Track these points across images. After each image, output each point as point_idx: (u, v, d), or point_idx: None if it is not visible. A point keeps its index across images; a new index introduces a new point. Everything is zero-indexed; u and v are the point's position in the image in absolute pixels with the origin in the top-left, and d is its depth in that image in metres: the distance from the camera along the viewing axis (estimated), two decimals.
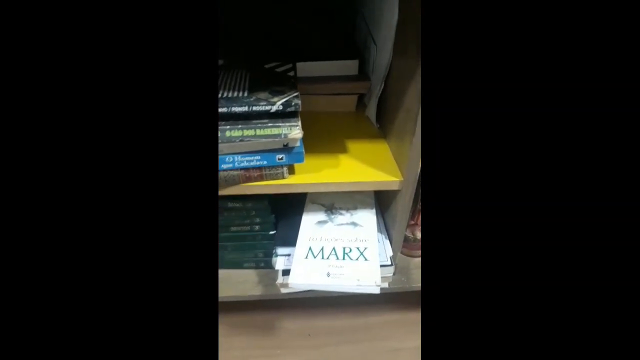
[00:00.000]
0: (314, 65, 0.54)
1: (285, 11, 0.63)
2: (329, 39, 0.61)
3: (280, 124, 0.34)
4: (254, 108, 0.34)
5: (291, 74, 0.43)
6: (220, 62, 0.49)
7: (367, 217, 0.47)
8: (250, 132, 0.34)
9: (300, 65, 0.53)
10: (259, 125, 0.34)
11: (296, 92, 0.37)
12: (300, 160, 0.38)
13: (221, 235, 0.48)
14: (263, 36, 0.61)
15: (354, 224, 0.46)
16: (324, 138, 0.48)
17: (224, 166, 0.36)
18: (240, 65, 0.45)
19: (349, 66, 0.55)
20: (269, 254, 0.51)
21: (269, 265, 0.52)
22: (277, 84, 0.39)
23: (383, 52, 0.45)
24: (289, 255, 0.45)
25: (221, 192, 0.39)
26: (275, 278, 0.51)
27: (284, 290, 0.45)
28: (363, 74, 0.55)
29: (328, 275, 0.40)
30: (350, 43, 0.60)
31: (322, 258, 0.41)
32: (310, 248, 0.43)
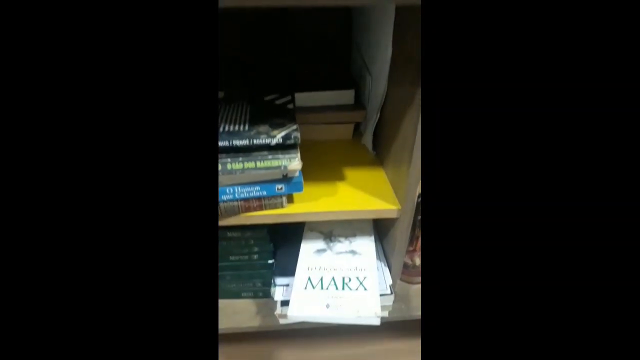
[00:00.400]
0: (311, 96, 0.56)
1: (282, 42, 0.66)
2: (325, 70, 0.63)
3: (280, 156, 0.35)
4: (255, 141, 0.35)
5: (290, 106, 0.44)
6: (220, 94, 0.51)
7: (366, 245, 0.47)
8: (251, 165, 0.35)
9: (298, 95, 0.55)
10: (260, 157, 0.35)
11: (295, 124, 0.38)
12: (299, 189, 0.39)
13: (220, 264, 0.48)
14: (261, 67, 0.64)
15: (353, 252, 0.46)
16: (321, 166, 0.49)
17: (224, 197, 0.37)
18: (240, 97, 0.47)
19: (345, 96, 0.57)
20: (267, 284, 0.50)
21: (268, 295, 0.52)
22: (277, 116, 0.40)
23: (378, 83, 0.47)
24: (287, 285, 0.44)
25: (221, 223, 0.40)
26: (273, 308, 0.50)
27: (282, 322, 0.44)
28: (359, 104, 0.57)
29: (327, 306, 0.39)
30: (346, 73, 0.63)
31: (322, 288, 0.41)
32: (309, 278, 0.42)
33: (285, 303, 0.43)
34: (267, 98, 0.47)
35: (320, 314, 0.38)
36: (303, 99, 0.55)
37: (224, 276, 0.49)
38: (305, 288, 0.41)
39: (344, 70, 0.64)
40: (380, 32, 0.44)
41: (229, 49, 0.62)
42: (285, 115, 0.41)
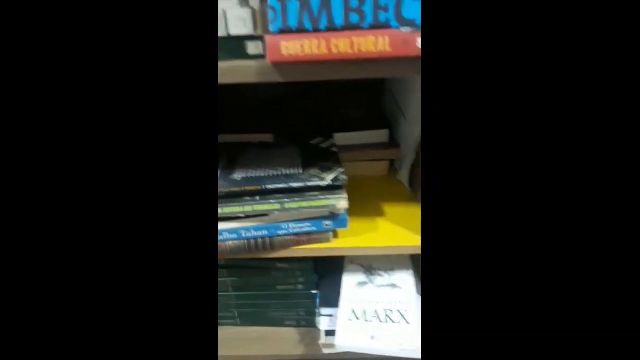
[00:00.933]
0: (349, 136, 0.61)
1: (320, 88, 0.73)
2: (360, 112, 0.69)
3: (329, 197, 0.39)
4: (308, 183, 0.40)
5: (334, 149, 0.49)
6: (269, 137, 0.57)
7: (406, 279, 0.49)
8: (305, 204, 0.39)
9: (336, 135, 0.60)
10: (312, 197, 0.39)
11: (341, 167, 0.42)
12: (344, 226, 0.42)
13: (267, 293, 0.52)
14: (303, 111, 0.70)
15: (393, 285, 0.48)
16: (360, 202, 0.53)
17: (279, 232, 0.41)
18: (288, 141, 0.53)
19: (380, 135, 0.62)
20: (310, 313, 0.53)
21: (310, 324, 0.54)
22: (325, 159, 0.45)
23: (414, 126, 0.51)
24: (331, 315, 0.47)
25: (273, 255, 0.44)
26: (315, 337, 0.52)
27: (326, 351, 0.47)
28: (393, 142, 0.61)
29: (372, 337, 0.41)
30: (379, 114, 0.68)
31: (365, 320, 0.43)
32: (353, 310, 0.45)
33: (330, 333, 0.45)
34: (313, 142, 0.53)
35: (365, 345, 0.40)
36: (341, 138, 0.60)
37: (270, 304, 0.53)
38: (350, 319, 0.43)
39: (377, 111, 0.69)
40: (412, 79, 0.49)
41: (272, 94, 0.70)
42: (332, 158, 0.45)
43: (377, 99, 0.74)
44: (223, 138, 0.61)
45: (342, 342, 0.41)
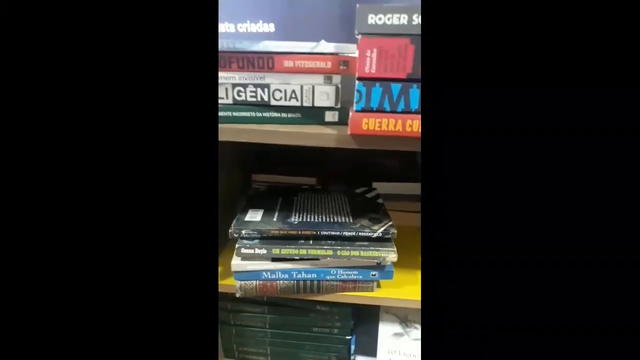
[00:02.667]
0: (386, 186, 0.65)
1: None
2: (396, 162, 0.74)
3: (380, 248, 0.42)
4: (360, 233, 0.43)
5: (380, 200, 0.53)
6: (313, 180, 0.62)
7: None
8: (356, 253, 0.42)
9: (375, 184, 0.64)
10: (363, 247, 0.43)
11: (390, 221, 0.46)
12: (390, 277, 0.45)
13: (302, 334, 0.53)
14: (342, 157, 0.75)
15: None
16: (399, 252, 0.55)
17: (328, 277, 0.44)
18: (334, 189, 0.57)
19: (415, 187, 0.66)
20: (342, 358, 0.54)
21: None
22: (373, 212, 0.48)
23: None
24: None
25: (316, 298, 0.46)
26: None
27: None
28: None
29: None
30: (414, 167, 0.72)
31: None
32: None
33: None
34: (358, 191, 0.57)
35: None
36: (378, 187, 0.64)
37: (303, 345, 0.54)
38: None
39: (414, 164, 0.74)
40: None
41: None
42: (380, 210, 0.49)
43: (414, 152, 0.79)
44: (272, 178, 0.67)
45: None
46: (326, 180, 0.66)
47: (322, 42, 0.39)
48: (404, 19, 0.30)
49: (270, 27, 0.52)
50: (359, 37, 0.30)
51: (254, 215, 0.46)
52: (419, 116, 0.32)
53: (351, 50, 0.35)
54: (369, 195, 0.55)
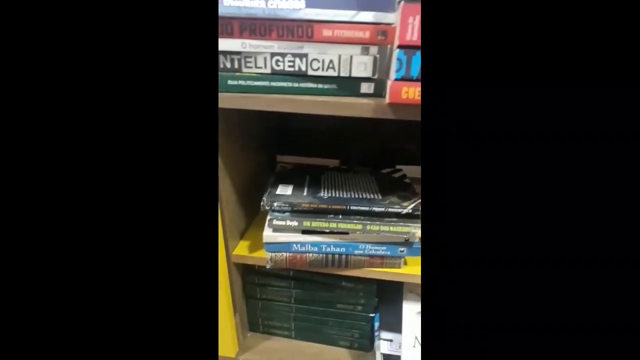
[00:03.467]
0: (410, 169, 0.65)
1: (382, 120, 0.78)
2: (416, 146, 0.73)
3: (409, 224, 0.43)
4: (390, 209, 0.43)
5: (407, 180, 0.53)
6: (336, 162, 0.62)
7: None
8: (385, 228, 0.43)
9: (399, 167, 0.64)
10: (392, 223, 0.43)
11: (420, 198, 0.46)
12: (417, 254, 0.45)
13: (326, 310, 0.54)
14: (364, 141, 0.75)
15: None
16: None
17: (356, 252, 0.44)
18: (360, 169, 0.57)
19: None
20: (364, 336, 0.54)
21: (363, 347, 0.55)
22: (402, 189, 0.48)
23: None
24: (391, 340, 0.48)
25: (344, 272, 0.47)
26: None
27: None
28: None
29: None
30: None
31: None
32: (416, 337, 0.46)
33: (388, 357, 0.46)
34: (384, 171, 0.57)
35: None
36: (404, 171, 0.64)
37: (327, 321, 0.55)
38: (414, 346, 0.44)
39: None
40: None
41: (336, 123, 0.76)
42: (407, 188, 0.49)
43: None
44: (295, 160, 0.67)
45: None
46: (350, 162, 0.66)
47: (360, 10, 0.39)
48: None
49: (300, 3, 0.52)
50: (402, 3, 0.30)
51: (285, 190, 0.47)
52: None
53: (390, 19, 0.35)
54: (395, 175, 0.55)
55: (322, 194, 0.46)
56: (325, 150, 0.70)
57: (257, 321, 0.58)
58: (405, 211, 0.43)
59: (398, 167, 0.62)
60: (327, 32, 0.34)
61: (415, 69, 0.32)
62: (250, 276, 0.54)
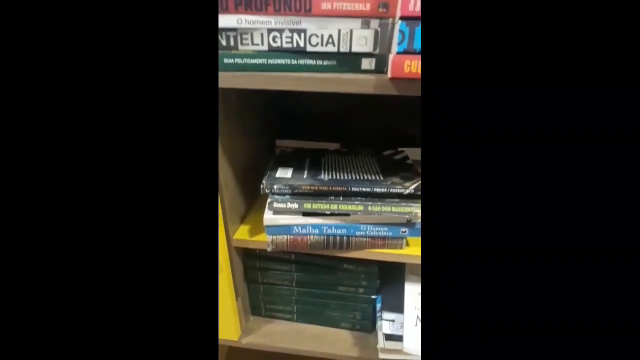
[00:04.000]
0: (411, 151, 0.64)
1: (384, 102, 0.77)
2: (417, 129, 0.72)
3: (412, 205, 0.42)
4: (392, 190, 0.43)
5: (409, 161, 0.52)
6: (337, 146, 0.61)
7: None
8: (387, 209, 0.42)
9: (401, 149, 0.63)
10: (394, 203, 0.42)
11: (421, 179, 0.45)
12: (419, 235, 0.45)
13: (328, 292, 0.54)
14: (365, 125, 0.74)
15: None
16: None
17: (357, 233, 0.44)
18: (362, 151, 0.56)
19: None
20: (366, 318, 0.55)
21: (364, 328, 0.56)
22: (403, 170, 0.48)
23: None
24: (393, 320, 0.48)
25: (345, 254, 0.46)
26: (369, 342, 0.54)
27: (383, 356, 0.48)
28: None
29: None
30: None
31: None
32: (417, 317, 0.46)
33: (390, 337, 0.47)
34: (386, 153, 0.56)
35: None
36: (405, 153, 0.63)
37: (329, 304, 0.55)
38: (416, 325, 0.45)
39: None
40: None
41: (338, 107, 0.74)
42: (410, 169, 0.48)
43: None
44: (296, 144, 0.66)
45: (410, 345, 0.42)
46: (350, 145, 0.66)
47: None
48: None
49: None
50: None
51: (284, 173, 0.46)
52: None
53: None
54: (397, 157, 0.54)
55: (322, 176, 0.45)
56: (326, 133, 0.69)
57: (259, 305, 0.58)
58: (407, 191, 0.43)
59: (400, 149, 0.61)
60: (326, 5, 0.33)
61: (419, 41, 0.31)
62: (251, 260, 0.54)
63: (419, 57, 0.31)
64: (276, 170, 0.47)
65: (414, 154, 0.64)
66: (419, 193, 0.43)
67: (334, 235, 0.45)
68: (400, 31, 0.30)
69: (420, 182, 0.44)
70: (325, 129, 0.70)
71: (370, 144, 0.65)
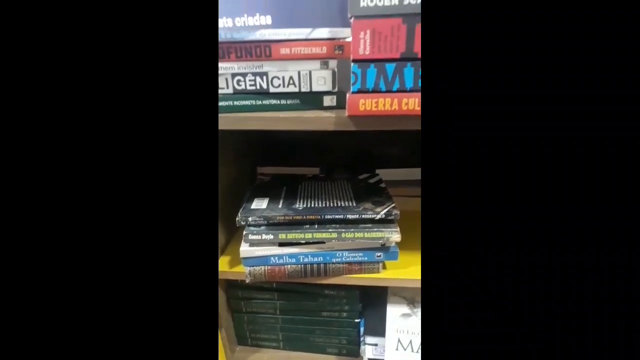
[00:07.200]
0: (391, 172, 0.66)
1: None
2: (400, 150, 0.74)
3: (383, 229, 0.43)
4: (363, 216, 0.44)
5: (382, 185, 0.54)
6: (316, 170, 0.63)
7: None
8: (360, 235, 0.43)
9: (379, 171, 0.65)
10: (367, 229, 0.43)
11: (393, 203, 0.47)
12: (395, 258, 0.46)
13: (312, 318, 0.54)
14: (344, 147, 0.76)
15: None
16: (404, 235, 0.56)
17: (334, 260, 0.45)
18: (338, 177, 0.58)
19: (416, 173, 0.66)
20: (352, 342, 0.55)
21: (351, 353, 0.56)
22: (376, 194, 0.49)
23: None
24: (376, 345, 0.49)
25: (324, 281, 0.47)
26: None
27: None
28: None
29: None
30: (414, 152, 0.73)
31: (412, 351, 0.45)
32: (399, 340, 0.47)
33: None
34: (361, 177, 0.57)
35: None
36: (382, 174, 0.65)
37: (314, 330, 0.55)
38: (397, 349, 0.45)
39: (416, 151, 0.74)
40: None
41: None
42: (382, 194, 0.50)
43: (416, 138, 0.79)
44: (276, 170, 0.68)
45: None
46: (329, 169, 0.67)
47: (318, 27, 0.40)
48: None
49: (267, 20, 0.53)
50: (352, 20, 0.31)
51: (260, 204, 0.47)
52: (415, 94, 0.32)
53: (345, 34, 0.36)
54: (371, 181, 0.56)
55: (297, 205, 0.46)
56: (306, 158, 0.71)
57: (244, 334, 0.58)
58: (378, 217, 0.44)
59: (379, 170, 0.63)
60: (284, 51, 0.35)
61: (371, 81, 0.33)
62: (234, 290, 0.54)
63: (373, 95, 0.33)
64: (252, 201, 0.48)
65: (393, 174, 0.66)
66: (391, 217, 0.44)
67: (311, 264, 0.45)
68: (354, 73, 0.32)
69: (392, 205, 0.46)
70: (304, 155, 0.72)
71: (348, 167, 0.67)
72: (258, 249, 0.44)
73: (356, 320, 0.54)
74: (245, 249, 0.44)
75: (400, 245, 0.53)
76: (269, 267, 0.45)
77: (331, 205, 0.46)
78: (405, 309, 0.52)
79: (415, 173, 0.66)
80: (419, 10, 0.30)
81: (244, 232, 0.44)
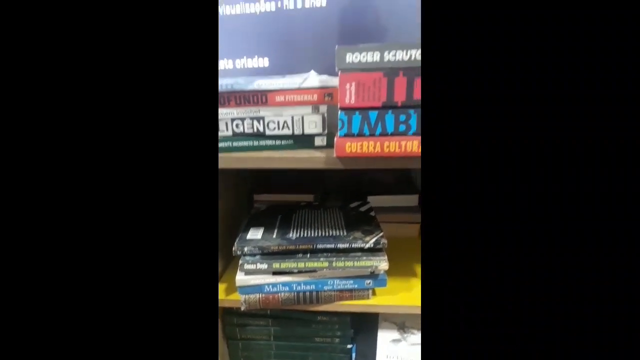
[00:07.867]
0: (382, 199, 0.69)
1: None
2: (391, 178, 0.78)
3: (372, 258, 0.46)
4: (353, 245, 0.47)
5: (372, 213, 0.57)
6: (310, 197, 0.66)
7: None
8: (350, 263, 0.46)
9: (371, 198, 0.68)
10: (356, 258, 0.46)
11: (381, 232, 0.49)
12: (384, 285, 0.48)
13: (305, 344, 0.56)
14: (338, 175, 0.80)
15: None
16: (394, 262, 0.58)
17: (325, 288, 0.47)
18: (330, 204, 0.61)
19: (411, 199, 0.70)
20: None
21: None
22: (366, 224, 0.52)
23: None
24: None
25: (316, 308, 0.49)
26: None
27: None
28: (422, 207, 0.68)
29: None
30: (409, 181, 0.76)
31: None
32: None
33: None
34: (352, 205, 0.61)
35: None
36: (374, 201, 0.68)
37: (307, 356, 0.56)
38: None
39: (406, 178, 0.78)
40: None
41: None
42: (371, 223, 0.53)
43: (401, 171, 0.83)
44: (272, 197, 0.71)
45: None
46: (323, 196, 0.70)
47: (312, 72, 0.44)
48: (377, 56, 0.35)
49: (265, 62, 0.58)
50: (339, 73, 0.35)
51: (255, 233, 0.50)
52: (395, 138, 0.36)
53: (334, 83, 0.40)
54: (362, 209, 0.59)
55: (290, 235, 0.49)
56: (302, 186, 0.74)
57: None
58: (367, 246, 0.47)
59: (370, 198, 0.66)
60: (279, 98, 0.39)
61: (356, 127, 0.36)
62: (229, 317, 0.56)
63: (358, 139, 0.36)
64: (248, 231, 0.51)
65: (383, 201, 0.69)
66: (379, 246, 0.47)
67: (304, 292, 0.48)
68: (340, 119, 0.36)
69: (380, 234, 0.48)
70: (299, 183, 0.75)
71: (341, 195, 0.70)
72: (253, 277, 0.47)
73: (348, 346, 0.55)
74: (240, 278, 0.47)
75: (389, 271, 0.55)
76: (264, 295, 0.47)
77: (323, 234, 0.49)
78: (395, 334, 0.54)
79: (405, 200, 0.69)
80: (398, 65, 0.34)
81: (240, 262, 0.46)
